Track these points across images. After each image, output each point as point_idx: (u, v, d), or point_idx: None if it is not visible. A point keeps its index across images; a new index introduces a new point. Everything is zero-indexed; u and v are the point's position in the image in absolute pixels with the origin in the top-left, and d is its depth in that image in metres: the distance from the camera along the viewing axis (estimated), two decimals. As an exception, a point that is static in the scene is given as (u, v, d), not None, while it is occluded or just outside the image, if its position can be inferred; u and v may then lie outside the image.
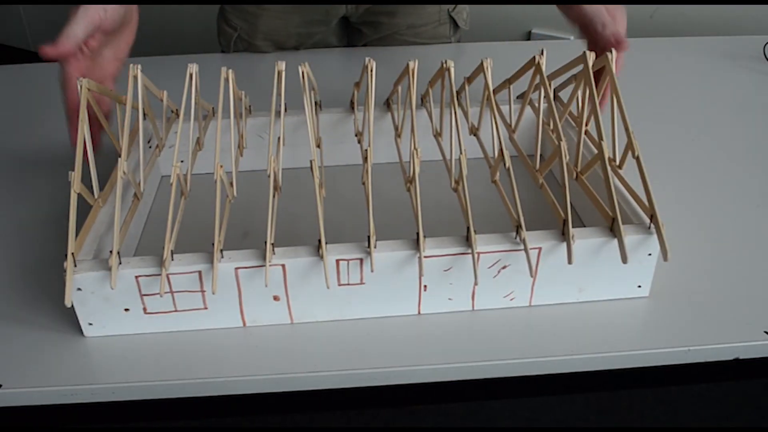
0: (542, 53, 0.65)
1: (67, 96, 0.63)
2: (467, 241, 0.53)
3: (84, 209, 0.57)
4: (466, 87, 0.73)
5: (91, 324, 0.54)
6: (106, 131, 0.65)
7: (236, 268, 0.52)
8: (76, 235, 0.53)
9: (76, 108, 0.59)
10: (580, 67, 0.62)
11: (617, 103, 0.58)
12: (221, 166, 0.56)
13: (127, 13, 0.69)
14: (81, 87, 0.58)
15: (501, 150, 0.57)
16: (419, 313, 0.57)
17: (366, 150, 0.58)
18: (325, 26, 1.11)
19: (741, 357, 0.54)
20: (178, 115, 0.71)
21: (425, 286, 0.55)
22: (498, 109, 0.66)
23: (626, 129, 0.58)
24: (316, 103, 0.75)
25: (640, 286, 0.57)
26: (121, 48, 0.70)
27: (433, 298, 0.56)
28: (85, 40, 0.64)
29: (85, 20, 0.63)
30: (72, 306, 0.52)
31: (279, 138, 0.64)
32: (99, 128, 0.65)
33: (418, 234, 0.52)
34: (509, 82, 0.71)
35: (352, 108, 0.76)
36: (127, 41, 0.70)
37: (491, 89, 0.63)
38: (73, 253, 0.51)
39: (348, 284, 0.54)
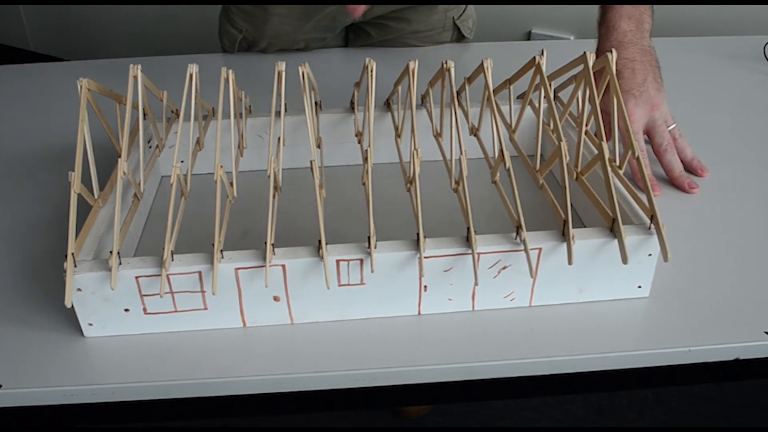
0: (542, 53, 0.65)
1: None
2: (467, 242, 0.53)
3: (84, 209, 0.57)
4: (467, 87, 0.73)
5: (91, 324, 0.54)
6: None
7: (236, 269, 0.52)
8: (76, 235, 0.53)
9: None
10: (581, 67, 0.62)
11: (617, 103, 0.58)
12: (221, 166, 0.56)
13: None
14: (81, 87, 0.58)
15: (501, 150, 0.57)
16: (419, 313, 0.57)
17: (366, 150, 0.58)
18: (331, 32, 1.11)
19: (741, 357, 0.54)
20: (178, 116, 0.71)
21: (425, 287, 0.55)
22: (498, 110, 0.65)
23: (626, 129, 0.58)
24: (316, 103, 0.75)
25: (640, 287, 0.57)
26: None
27: (433, 299, 0.56)
28: None
29: None
30: (72, 306, 0.52)
31: (279, 138, 0.64)
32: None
33: (418, 234, 0.52)
34: (509, 82, 0.71)
35: (353, 108, 0.76)
36: None
37: (491, 89, 0.63)
38: (73, 254, 0.51)
39: (348, 285, 0.54)
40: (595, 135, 0.63)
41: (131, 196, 0.63)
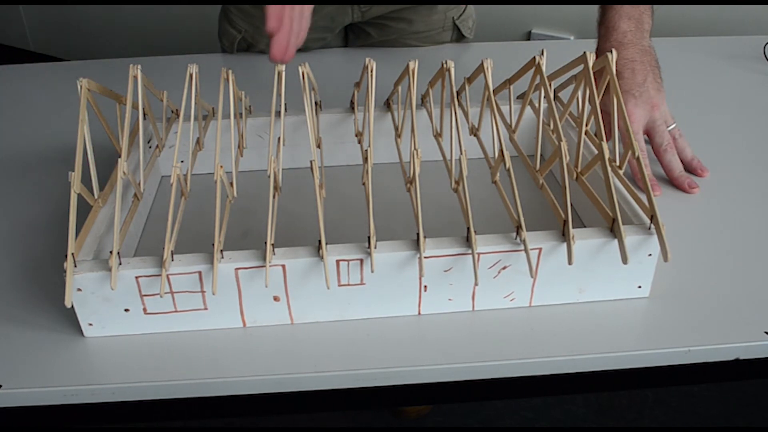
0: (542, 53, 0.65)
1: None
2: (467, 242, 0.53)
3: (84, 209, 0.57)
4: (467, 87, 0.73)
5: (91, 324, 0.54)
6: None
7: (236, 269, 0.52)
8: (76, 235, 0.53)
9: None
10: (580, 67, 0.62)
11: (617, 103, 0.58)
12: (221, 166, 0.56)
13: None
14: (81, 87, 0.58)
15: (501, 150, 0.57)
16: (419, 313, 0.57)
17: (366, 150, 0.58)
18: (330, 33, 1.11)
19: (741, 357, 0.54)
20: (178, 116, 0.71)
21: (425, 287, 0.55)
22: (498, 110, 0.65)
23: (627, 129, 0.58)
24: (316, 103, 0.75)
25: (640, 287, 0.57)
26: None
27: (433, 299, 0.56)
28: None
29: None
30: (72, 306, 0.52)
31: (279, 138, 0.64)
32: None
33: (418, 234, 0.52)
34: (509, 82, 0.71)
35: (353, 108, 0.76)
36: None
37: (491, 89, 0.63)
38: (73, 254, 0.51)
39: (348, 285, 0.54)
40: (595, 135, 0.63)
41: (131, 196, 0.63)
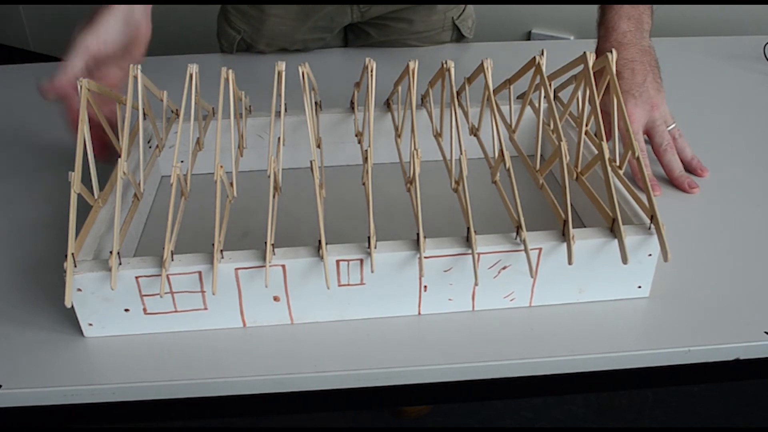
0: (542, 53, 0.65)
1: (73, 130, 0.63)
2: (467, 242, 0.53)
3: (84, 209, 0.57)
4: (467, 87, 0.73)
5: (91, 324, 0.54)
6: (108, 136, 0.65)
7: (236, 269, 0.52)
8: (76, 235, 0.53)
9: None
10: (581, 67, 0.62)
11: (617, 103, 0.58)
12: (221, 166, 0.56)
13: (131, 36, 0.69)
14: (81, 87, 0.58)
15: (501, 150, 0.57)
16: (419, 313, 0.57)
17: (366, 150, 0.58)
18: (329, 33, 1.11)
19: (741, 357, 0.54)
20: (178, 116, 0.71)
21: (425, 287, 0.55)
22: (498, 110, 0.65)
23: (627, 129, 0.58)
24: (316, 103, 0.75)
25: (640, 287, 0.57)
26: (125, 65, 0.67)
27: (433, 299, 0.56)
28: (84, 73, 0.65)
29: (81, 54, 0.66)
30: (72, 306, 0.52)
31: (279, 138, 0.64)
32: (102, 135, 0.65)
33: (418, 234, 0.52)
34: (509, 82, 0.71)
35: (353, 108, 0.76)
36: (136, 59, 0.70)
37: (491, 89, 0.63)
38: (73, 254, 0.51)
39: (348, 285, 0.54)
40: (595, 135, 0.63)
41: (131, 196, 0.63)
